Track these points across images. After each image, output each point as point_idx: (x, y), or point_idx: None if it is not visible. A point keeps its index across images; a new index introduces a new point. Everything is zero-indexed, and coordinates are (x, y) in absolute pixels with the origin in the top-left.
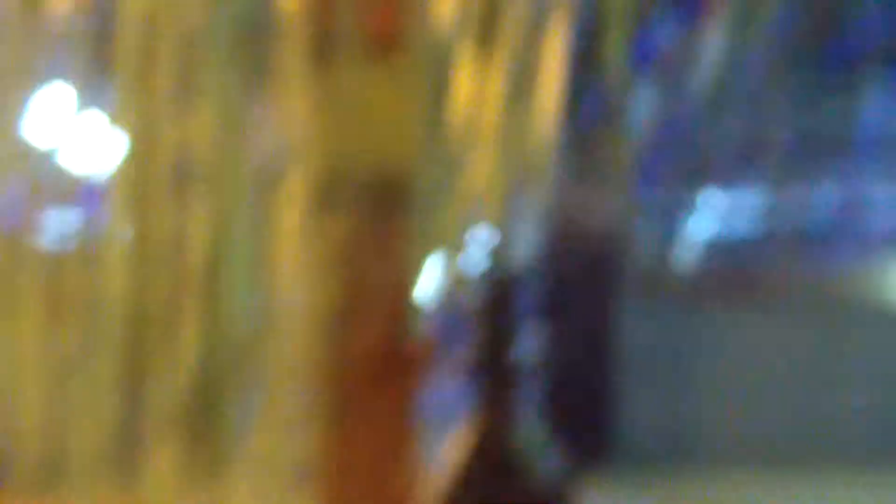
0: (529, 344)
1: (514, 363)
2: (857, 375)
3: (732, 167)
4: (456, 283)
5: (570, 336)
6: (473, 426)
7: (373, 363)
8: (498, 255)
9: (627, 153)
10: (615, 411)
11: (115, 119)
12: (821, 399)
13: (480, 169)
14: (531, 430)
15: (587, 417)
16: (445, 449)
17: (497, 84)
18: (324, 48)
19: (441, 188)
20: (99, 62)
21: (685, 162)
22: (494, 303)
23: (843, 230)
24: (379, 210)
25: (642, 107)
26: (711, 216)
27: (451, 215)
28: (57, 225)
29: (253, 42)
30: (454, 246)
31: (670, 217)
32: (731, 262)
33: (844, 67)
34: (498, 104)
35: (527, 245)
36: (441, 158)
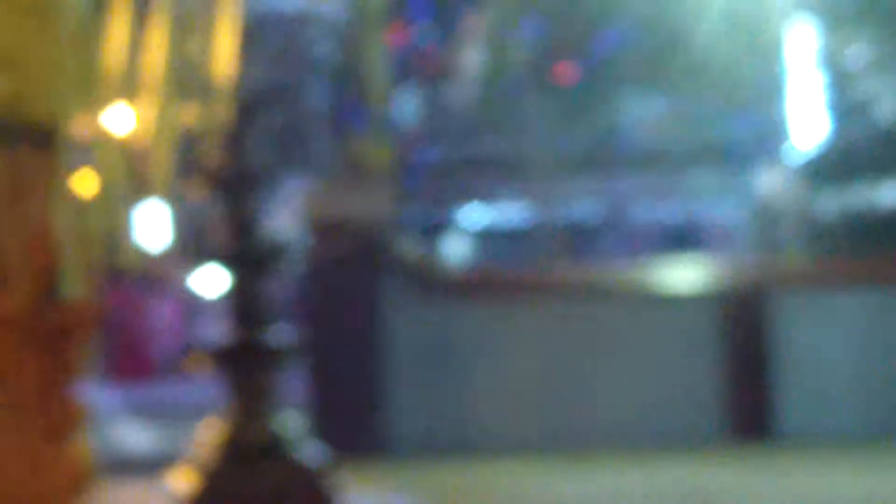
0: (287, 334)
1: (268, 352)
2: (621, 365)
3: (500, 172)
4: (122, 249)
5: (336, 328)
6: (225, 415)
7: (12, 334)
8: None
9: (391, 155)
10: (382, 404)
11: None
12: (586, 387)
13: (144, 126)
14: (287, 421)
15: (352, 409)
16: (196, 437)
17: (158, 36)
18: None
19: (96, 142)
20: None
21: (453, 163)
22: (243, 285)
23: (607, 228)
24: (23, 158)
25: (408, 112)
26: (480, 215)
27: (107, 168)
28: None
29: None
30: (111, 202)
31: (439, 215)
32: (500, 258)
33: (599, 84)
34: (159, 55)
35: (287, 234)
36: (92, 107)
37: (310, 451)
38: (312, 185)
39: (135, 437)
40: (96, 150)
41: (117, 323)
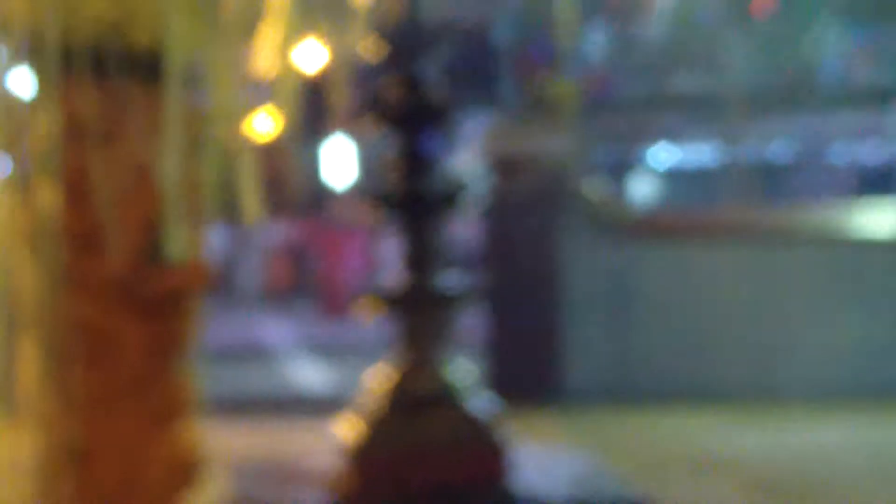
0: (462, 278)
1: (441, 297)
2: (808, 311)
3: (690, 110)
4: (244, 203)
5: (515, 271)
6: (395, 362)
7: (109, 300)
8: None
9: (577, 92)
10: (559, 349)
11: None
12: (772, 335)
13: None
14: (458, 369)
15: (529, 355)
16: (364, 386)
17: None
18: None
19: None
20: None
21: (641, 101)
22: (418, 227)
23: (801, 169)
24: (123, 90)
25: (596, 49)
26: (668, 154)
27: (223, 109)
28: None
29: None
30: (231, 148)
31: (626, 154)
32: (687, 200)
33: (796, 17)
34: None
35: (468, 176)
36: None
37: (481, 400)
38: (495, 122)
39: (309, 375)
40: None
41: (316, 262)
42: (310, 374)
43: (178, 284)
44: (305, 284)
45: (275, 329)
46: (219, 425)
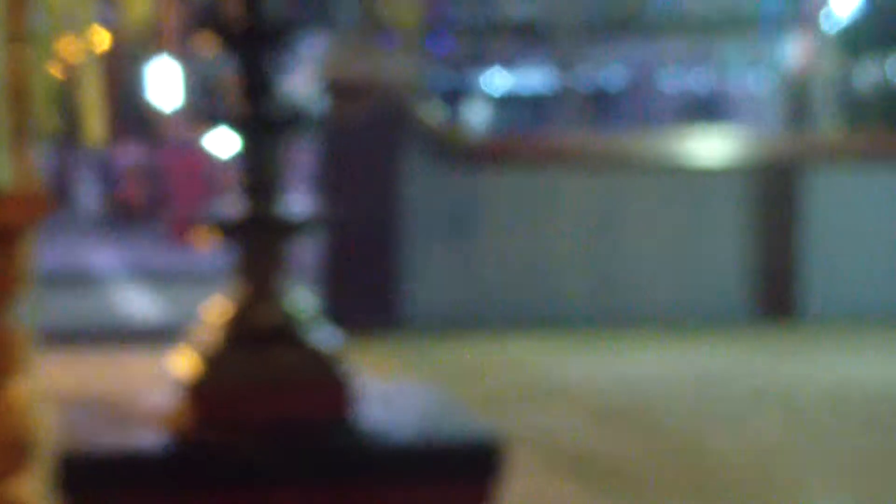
0: (301, 205)
1: (280, 225)
2: (645, 237)
3: (524, 36)
4: (84, 120)
5: (353, 197)
6: (233, 293)
7: None
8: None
9: (416, 16)
10: (399, 277)
11: None
12: (605, 262)
13: None
14: (298, 301)
15: (369, 283)
16: (201, 319)
17: None
18: None
19: None
20: None
21: (476, 26)
22: (255, 152)
23: (632, 96)
24: None
25: None
26: (503, 80)
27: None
28: None
29: None
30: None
31: (461, 79)
32: (521, 125)
33: None
34: None
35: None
36: None
37: (322, 333)
38: (333, 44)
39: (141, 304)
40: None
41: (163, 186)
42: (146, 304)
43: (5, 219)
44: (153, 209)
45: (111, 255)
46: (47, 357)
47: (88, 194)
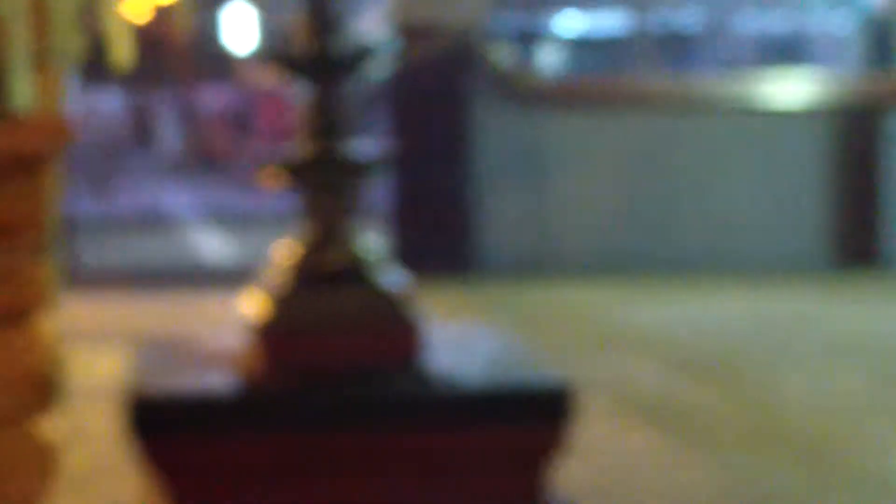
0: (369, 146)
1: (348, 166)
2: (718, 182)
3: None
4: (111, 43)
5: (422, 139)
6: (300, 235)
7: None
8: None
9: None
10: (469, 219)
11: None
12: (681, 208)
13: None
14: (367, 243)
15: (438, 225)
16: (268, 260)
17: None
18: None
19: None
20: None
21: None
22: (323, 92)
23: (708, 38)
24: None
25: None
26: (575, 22)
27: None
28: None
29: None
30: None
31: (532, 22)
32: (593, 68)
33: None
34: None
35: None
36: None
37: (391, 275)
38: None
39: (216, 246)
40: None
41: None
42: (222, 245)
43: (26, 145)
44: (234, 152)
45: (189, 196)
46: (119, 298)
47: (169, 135)
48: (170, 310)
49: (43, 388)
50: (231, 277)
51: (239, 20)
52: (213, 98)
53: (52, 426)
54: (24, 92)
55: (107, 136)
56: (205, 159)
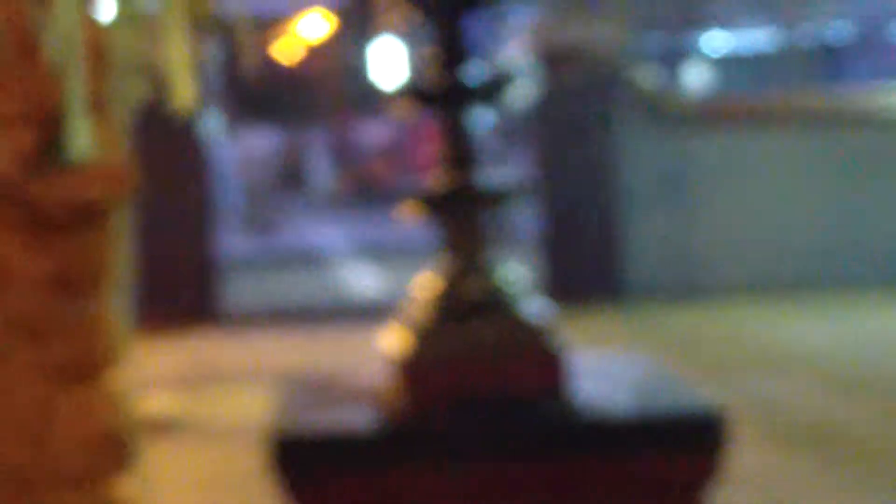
0: (510, 175)
1: (487, 196)
2: (875, 198)
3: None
4: (175, 87)
5: (566, 165)
6: (441, 268)
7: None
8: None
9: None
10: (615, 244)
11: None
12: (836, 223)
13: None
14: (508, 273)
15: (584, 251)
16: (411, 293)
17: None
18: None
19: None
20: None
21: None
22: (457, 126)
23: (860, 51)
24: None
25: None
26: (722, 40)
27: None
28: None
29: None
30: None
31: (678, 41)
32: (743, 86)
33: None
34: None
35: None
36: None
37: (534, 305)
38: (545, 11)
39: (364, 281)
40: None
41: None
42: (369, 280)
43: (86, 195)
44: (386, 185)
45: (340, 232)
46: (267, 336)
47: (322, 172)
48: (317, 346)
49: (116, 448)
50: (381, 311)
51: (387, 55)
52: (367, 133)
53: (125, 486)
54: (82, 140)
55: (262, 175)
56: (362, 191)
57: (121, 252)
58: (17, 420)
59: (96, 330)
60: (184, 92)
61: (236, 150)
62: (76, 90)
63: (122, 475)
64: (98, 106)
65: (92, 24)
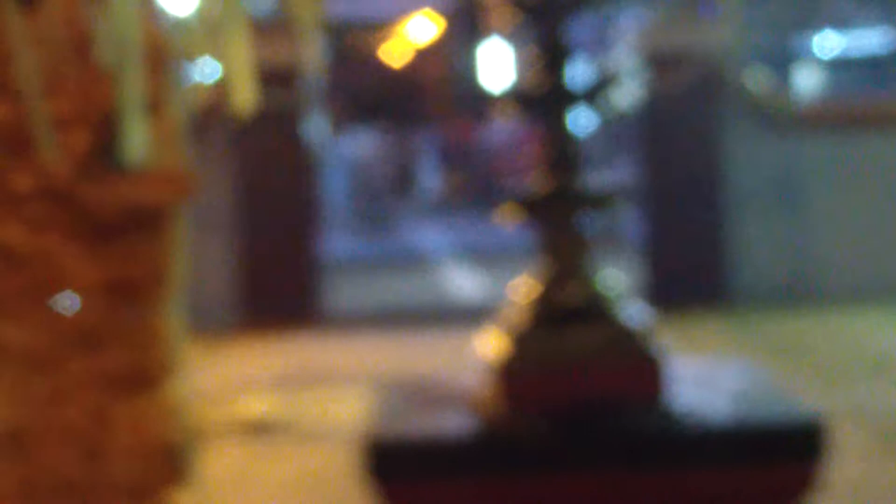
0: (610, 178)
1: (587, 200)
2: None
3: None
4: (238, 91)
5: (674, 169)
6: (539, 272)
7: (47, 222)
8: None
9: None
10: (723, 248)
11: None
12: None
13: None
14: (608, 277)
15: (690, 255)
16: (509, 298)
17: None
18: None
19: None
20: None
21: None
22: (557, 129)
23: None
24: None
25: None
26: (834, 42)
27: None
28: None
29: None
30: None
31: (789, 43)
32: (855, 89)
33: None
34: None
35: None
36: None
37: (634, 310)
38: (653, 15)
39: (464, 283)
40: None
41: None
42: (470, 284)
43: (142, 199)
44: (490, 189)
45: (443, 236)
46: (368, 339)
47: (429, 176)
48: (416, 349)
49: (172, 458)
50: (481, 314)
51: (495, 58)
52: (468, 135)
53: (182, 497)
54: (138, 142)
55: (373, 177)
56: (459, 196)
57: (178, 258)
58: (71, 430)
59: (152, 338)
60: (243, 94)
61: (350, 151)
62: (132, 91)
63: (179, 486)
64: (155, 107)
65: (149, 24)
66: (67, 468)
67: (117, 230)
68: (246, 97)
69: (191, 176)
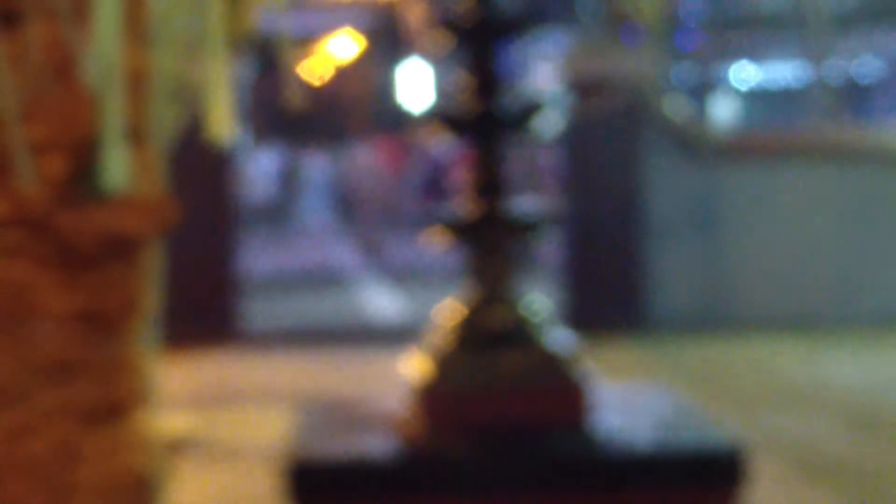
0: (537, 204)
1: (513, 225)
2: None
3: (772, 27)
4: (211, 114)
5: (594, 195)
6: (464, 295)
7: (20, 252)
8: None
9: (659, 11)
10: (642, 275)
11: None
12: (863, 260)
13: None
14: (532, 303)
15: (610, 282)
16: (433, 320)
17: None
18: None
19: None
20: None
21: (722, 19)
22: (488, 150)
23: (887, 87)
24: None
25: None
26: (751, 74)
27: None
28: None
29: None
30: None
31: (707, 74)
32: (770, 119)
33: None
34: None
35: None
36: None
37: (557, 335)
38: (576, 41)
39: (381, 303)
40: None
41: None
42: (391, 304)
43: (120, 227)
44: (406, 208)
45: (356, 256)
46: (286, 359)
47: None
48: (337, 369)
49: (141, 490)
50: (400, 336)
51: (415, 78)
52: (391, 154)
53: None
54: (118, 170)
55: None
56: (367, 215)
57: (151, 288)
58: (37, 463)
59: (124, 369)
60: (220, 118)
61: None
62: (113, 117)
63: None
64: (135, 134)
65: (131, 49)
66: (32, 503)
67: (92, 259)
68: (223, 120)
69: (170, 204)
